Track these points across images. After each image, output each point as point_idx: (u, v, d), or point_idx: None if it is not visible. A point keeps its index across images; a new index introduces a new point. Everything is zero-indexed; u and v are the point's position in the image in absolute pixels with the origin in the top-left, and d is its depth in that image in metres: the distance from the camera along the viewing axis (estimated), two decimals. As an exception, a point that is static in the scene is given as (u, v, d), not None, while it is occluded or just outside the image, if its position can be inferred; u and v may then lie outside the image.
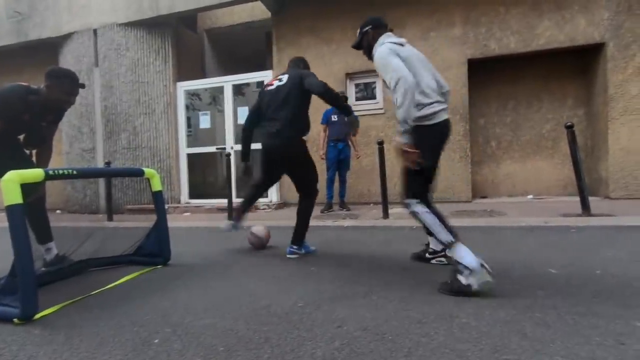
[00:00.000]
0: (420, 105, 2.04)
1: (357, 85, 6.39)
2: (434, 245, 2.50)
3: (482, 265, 1.78)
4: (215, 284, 2.27)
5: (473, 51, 5.69)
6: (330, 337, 1.45)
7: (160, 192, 2.81)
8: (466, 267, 1.81)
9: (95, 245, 2.99)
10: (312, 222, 3.90)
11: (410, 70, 1.99)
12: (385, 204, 4.55)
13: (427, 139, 2.04)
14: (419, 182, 2.08)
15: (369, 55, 2.27)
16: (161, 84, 6.83)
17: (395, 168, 5.93)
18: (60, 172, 2.02)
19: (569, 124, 4.07)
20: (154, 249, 2.80)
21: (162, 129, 6.86)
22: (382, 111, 6.12)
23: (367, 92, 6.39)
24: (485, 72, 5.95)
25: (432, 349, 1.32)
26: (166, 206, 6.58)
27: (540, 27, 5.44)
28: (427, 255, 2.53)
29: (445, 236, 1.92)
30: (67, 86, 2.48)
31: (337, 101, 2.74)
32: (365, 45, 2.30)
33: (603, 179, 5.39)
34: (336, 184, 5.56)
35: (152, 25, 6.82)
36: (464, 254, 1.84)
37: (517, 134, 6.08)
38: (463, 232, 3.70)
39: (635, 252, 2.55)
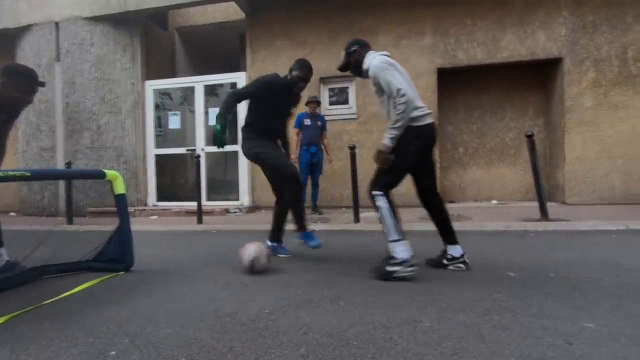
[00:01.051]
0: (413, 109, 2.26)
1: (330, 90, 6.44)
2: (452, 252, 2.47)
3: (410, 262, 2.17)
4: (179, 291, 2.20)
5: (442, 60, 5.88)
6: (295, 344, 1.44)
7: (123, 195, 2.70)
8: (396, 259, 2.19)
9: (50, 250, 2.82)
10: (287, 227, 3.90)
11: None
12: (356, 208, 4.60)
13: (415, 140, 2.26)
14: (390, 179, 2.29)
15: (358, 72, 2.45)
16: (128, 82, 6.58)
17: (367, 172, 6.01)
18: (12, 173, 1.90)
19: (529, 133, 4.29)
20: (115, 255, 2.68)
21: (128, 128, 6.61)
22: (354, 116, 6.20)
23: (340, 97, 6.46)
24: (453, 81, 6.17)
25: (395, 354, 1.35)
26: (132, 209, 6.38)
27: (504, 40, 5.72)
28: (444, 261, 2.49)
29: (394, 234, 2.21)
30: (25, 85, 2.34)
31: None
32: (353, 63, 2.45)
33: (560, 185, 5.72)
34: (308, 188, 5.56)
35: (119, 21, 6.57)
36: (401, 250, 2.19)
37: (483, 141, 6.34)
38: (430, 236, 3.81)
39: (586, 256, 2.72)
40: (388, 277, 2.18)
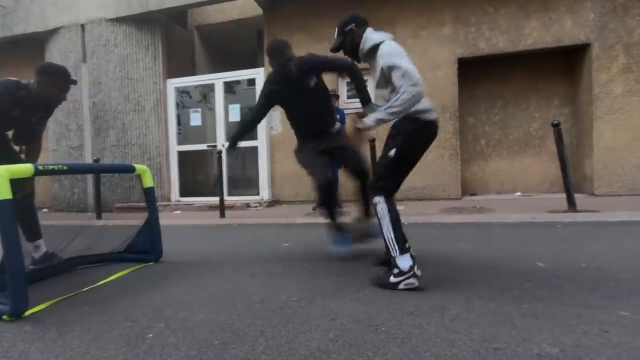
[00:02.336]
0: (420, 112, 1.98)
1: (348, 84, 6.41)
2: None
3: (412, 272, 1.90)
4: (208, 280, 2.27)
5: (463, 50, 5.76)
6: (324, 330, 1.47)
7: (151, 188, 2.80)
8: (397, 268, 1.93)
9: (84, 243, 2.95)
10: (304, 220, 3.91)
11: None
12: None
13: (420, 132, 2.00)
14: (396, 180, 2.05)
15: (354, 54, 2.15)
16: (151, 80, 6.75)
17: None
18: (50, 167, 2.00)
19: (555, 122, 4.15)
20: (145, 246, 2.78)
21: (152, 126, 6.78)
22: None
23: (358, 90, 6.41)
24: (474, 71, 6.03)
25: (425, 339, 1.35)
26: (157, 204, 6.56)
27: (527, 28, 5.54)
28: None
29: (395, 249, 1.93)
30: (59, 83, 2.45)
31: None
32: (349, 44, 2.13)
33: (588, 176, 5.52)
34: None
35: (141, 21, 6.73)
36: (404, 262, 1.92)
37: (506, 132, 6.18)
38: (454, 228, 3.77)
39: (618, 247, 2.63)
40: (391, 288, 1.92)
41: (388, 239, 1.95)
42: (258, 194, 6.54)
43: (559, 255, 2.44)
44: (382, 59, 1.92)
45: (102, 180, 6.38)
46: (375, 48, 2.00)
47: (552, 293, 1.77)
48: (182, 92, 7.08)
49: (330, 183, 2.55)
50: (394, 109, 1.83)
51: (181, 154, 6.95)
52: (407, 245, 2.02)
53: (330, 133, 2.78)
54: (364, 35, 2.09)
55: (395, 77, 1.85)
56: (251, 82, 6.68)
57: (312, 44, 6.34)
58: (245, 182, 7.30)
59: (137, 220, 2.89)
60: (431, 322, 1.49)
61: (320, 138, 2.73)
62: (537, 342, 1.30)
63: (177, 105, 7.00)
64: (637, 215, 3.71)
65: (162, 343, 1.42)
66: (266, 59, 6.58)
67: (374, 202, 2.01)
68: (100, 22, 6.82)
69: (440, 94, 5.84)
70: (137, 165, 2.68)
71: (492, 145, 6.26)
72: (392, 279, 1.93)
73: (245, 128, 2.89)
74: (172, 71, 7.03)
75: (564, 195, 4.01)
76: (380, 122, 1.88)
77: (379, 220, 1.98)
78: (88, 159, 6.93)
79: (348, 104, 6.29)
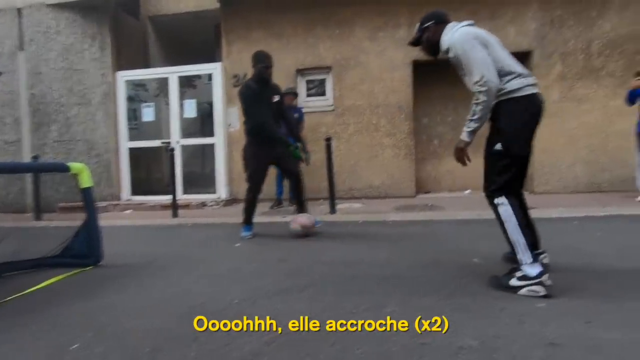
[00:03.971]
0: (507, 77, 1.85)
1: (308, 82, 6.42)
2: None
3: (540, 279, 1.72)
4: (150, 284, 2.18)
5: (417, 53, 5.93)
6: (261, 332, 1.47)
7: (89, 188, 2.64)
8: (521, 271, 1.76)
9: (14, 246, 2.72)
10: (261, 219, 3.88)
11: (492, 55, 1.87)
12: (332, 199, 4.64)
13: (517, 114, 1.83)
14: (508, 173, 1.86)
15: (431, 51, 2.13)
16: (98, 72, 6.34)
17: (344, 165, 6.07)
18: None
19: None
20: (82, 250, 2.62)
21: (99, 120, 6.39)
22: (331, 108, 6.20)
23: (318, 89, 6.44)
24: (428, 74, 6.25)
25: (358, 337, 1.39)
26: (105, 203, 6.21)
27: (477, 34, 5.83)
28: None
29: (525, 256, 1.75)
30: None
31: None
32: (425, 42, 2.13)
33: (529, 175, 5.92)
34: (285, 181, 5.56)
35: (86, 9, 6.30)
36: (533, 269, 1.75)
37: (457, 132, 6.43)
38: (405, 226, 3.90)
39: (549, 242, 2.85)
40: (510, 291, 1.78)
41: (516, 243, 1.77)
42: (215, 193, 6.38)
43: (494, 251, 2.61)
44: (451, 54, 1.96)
45: (43, 178, 5.91)
46: (448, 49, 1.99)
47: (483, 288, 1.88)
48: (136, 85, 6.74)
49: (259, 187, 3.33)
50: (474, 115, 1.86)
51: (133, 151, 6.61)
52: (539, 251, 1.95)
53: (275, 142, 3.31)
54: (443, 33, 2.05)
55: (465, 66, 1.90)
56: (209, 77, 6.49)
57: (271, 41, 6.26)
58: (202, 180, 7.10)
59: (81, 221, 2.72)
60: (367, 320, 1.54)
61: (268, 145, 3.28)
62: (462, 335, 1.38)
63: (131, 99, 6.64)
64: (566, 212, 4.05)
65: (88, 353, 1.35)
66: (224, 53, 6.47)
67: (495, 203, 1.86)
68: (40, 7, 6.30)
69: (397, 95, 6.01)
70: (72, 164, 2.51)
71: (445, 145, 6.54)
72: (514, 282, 1.77)
73: (270, 128, 3.27)
74: (123, 63, 6.64)
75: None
76: (472, 132, 1.91)
77: (502, 224, 1.82)
78: (26, 155, 6.40)
79: (307, 102, 6.29)
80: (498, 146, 1.86)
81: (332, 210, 4.59)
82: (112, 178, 6.44)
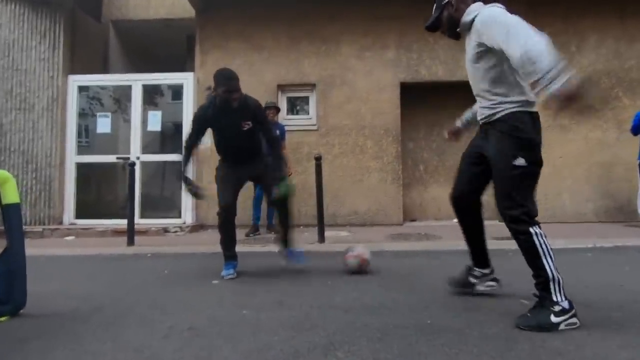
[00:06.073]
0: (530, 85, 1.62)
1: (289, 99, 5.98)
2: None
3: (574, 310, 1.59)
4: (93, 345, 1.48)
5: (405, 75, 5.76)
6: None
7: (15, 205, 1.90)
8: (559, 305, 1.58)
9: None
10: (237, 249, 3.18)
11: None
12: (321, 226, 4.07)
13: (533, 129, 1.70)
14: (531, 193, 1.69)
15: (452, 32, 1.90)
16: (46, 74, 5.48)
17: (326, 188, 5.57)
18: None
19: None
20: (-5, 293, 1.84)
21: (42, 130, 5.45)
22: (315, 127, 5.77)
23: (300, 107, 6.02)
24: (414, 97, 6.06)
25: None
26: (41, 228, 5.17)
27: (463, 60, 5.74)
28: (472, 279, 2.07)
29: (559, 296, 1.59)
30: None
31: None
32: (446, 20, 1.87)
33: (516, 204, 5.77)
34: (264, 205, 4.93)
35: (37, 3, 5.51)
36: (565, 302, 1.59)
37: (442, 158, 6.27)
38: (408, 257, 3.43)
39: (584, 278, 2.48)
40: (552, 329, 1.56)
41: (554, 279, 1.59)
42: (180, 217, 5.57)
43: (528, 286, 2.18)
44: (479, 24, 1.66)
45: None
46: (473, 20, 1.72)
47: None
48: (91, 92, 5.91)
49: (229, 208, 2.62)
50: (544, 56, 1.38)
51: (82, 167, 5.68)
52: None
53: (252, 161, 2.80)
54: (468, 9, 1.78)
55: (502, 39, 1.53)
56: (179, 87, 5.85)
57: (250, 53, 5.82)
58: (163, 203, 6.27)
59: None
60: None
61: (240, 164, 2.76)
62: None
63: (85, 107, 5.80)
64: (572, 243, 3.80)
65: None
66: (198, 63, 5.89)
67: (528, 233, 1.62)
68: (-21, -4, 5.43)
69: (384, 117, 5.72)
70: (-11, 170, 1.79)
71: (430, 171, 6.29)
72: (554, 319, 1.57)
73: (187, 156, 2.79)
74: (78, 67, 5.84)
75: (496, 222, 4.02)
76: (559, 72, 1.35)
77: (539, 258, 1.60)
78: (-57, 167, 5.25)
79: (287, 119, 5.82)
80: (521, 161, 1.65)
81: (321, 239, 4.02)
82: (54, 197, 5.45)
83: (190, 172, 2.74)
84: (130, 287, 2.43)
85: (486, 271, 2.07)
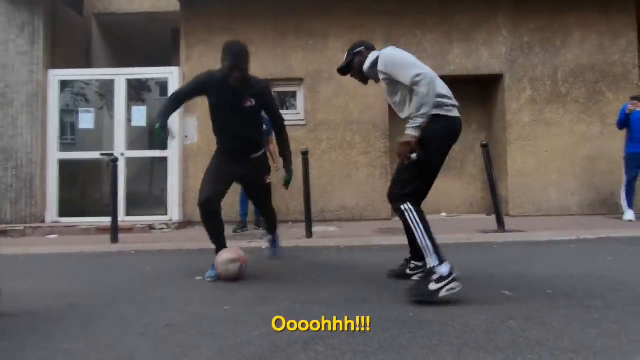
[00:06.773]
0: (441, 97, 1.94)
1: (277, 94, 5.91)
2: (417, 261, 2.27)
3: (453, 276, 1.79)
4: (67, 344, 1.43)
5: (393, 70, 5.74)
6: None
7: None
8: (436, 273, 1.80)
9: None
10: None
11: None
12: (309, 222, 4.05)
13: (447, 132, 1.97)
14: (417, 185, 1.97)
15: (361, 76, 2.25)
16: (25, 68, 5.33)
17: (314, 183, 5.54)
18: None
19: (484, 143, 4.22)
20: (-37, 292, 1.77)
21: (22, 126, 5.30)
22: (303, 122, 5.73)
23: (288, 102, 5.96)
24: (403, 92, 6.06)
25: None
26: (22, 226, 5.05)
27: (451, 54, 5.78)
28: (408, 271, 2.29)
29: (434, 259, 1.82)
30: None
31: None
32: (357, 66, 2.23)
33: (503, 197, 5.82)
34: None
35: (16, -5, 5.35)
36: (444, 268, 1.80)
37: (430, 154, 6.28)
38: (395, 251, 3.42)
39: (570, 270, 2.50)
40: (433, 297, 1.76)
41: (425, 247, 1.85)
42: (166, 214, 5.49)
43: (523, 280, 2.18)
44: (380, 64, 2.02)
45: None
46: (376, 61, 2.07)
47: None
48: (73, 87, 5.76)
49: (209, 203, 2.40)
50: (421, 109, 1.82)
51: (64, 164, 5.55)
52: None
53: (248, 159, 2.61)
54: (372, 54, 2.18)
55: (399, 72, 1.94)
56: (163, 82, 5.74)
57: (237, 47, 5.72)
58: (149, 200, 6.16)
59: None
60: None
61: (235, 160, 2.57)
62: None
63: (67, 103, 5.65)
64: (558, 235, 3.84)
65: None
66: (183, 57, 5.79)
67: (401, 209, 1.94)
68: (-47, -13, 5.24)
69: (372, 112, 5.71)
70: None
71: (418, 166, 6.30)
72: (433, 286, 1.77)
73: (170, 106, 2.47)
74: (59, 61, 5.69)
75: (483, 216, 4.07)
76: (418, 127, 1.83)
77: (412, 229, 1.90)
78: None
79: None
80: (413, 155, 1.90)
81: (309, 234, 3.99)
82: (35, 195, 5.33)
83: (168, 120, 2.39)
84: (110, 285, 2.37)
85: (420, 264, 2.21)
